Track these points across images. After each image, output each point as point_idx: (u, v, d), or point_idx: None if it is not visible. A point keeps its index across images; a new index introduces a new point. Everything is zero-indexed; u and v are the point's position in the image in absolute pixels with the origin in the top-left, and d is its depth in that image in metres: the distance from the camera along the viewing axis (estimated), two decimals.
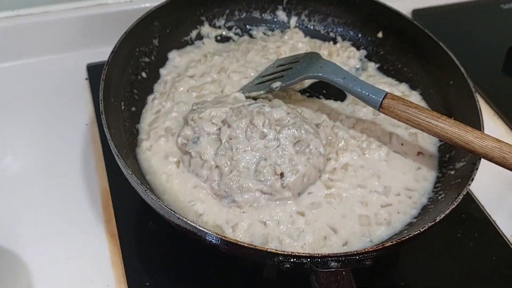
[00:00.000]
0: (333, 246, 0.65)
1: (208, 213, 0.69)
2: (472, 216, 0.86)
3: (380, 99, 0.70)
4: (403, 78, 0.91)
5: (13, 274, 0.73)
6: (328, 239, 0.66)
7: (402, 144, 0.79)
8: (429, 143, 0.81)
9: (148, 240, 0.78)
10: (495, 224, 0.85)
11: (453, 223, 0.84)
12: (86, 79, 1.02)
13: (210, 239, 0.58)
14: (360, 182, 0.74)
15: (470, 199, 0.88)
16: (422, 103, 0.87)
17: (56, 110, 0.96)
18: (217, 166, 0.69)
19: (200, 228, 0.57)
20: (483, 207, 0.87)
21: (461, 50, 0.90)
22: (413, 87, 0.89)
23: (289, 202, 0.69)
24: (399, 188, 0.74)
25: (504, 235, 0.83)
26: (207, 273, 0.74)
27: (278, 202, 0.69)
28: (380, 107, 0.70)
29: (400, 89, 0.88)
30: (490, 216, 0.86)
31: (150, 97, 0.83)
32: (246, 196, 0.68)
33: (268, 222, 0.67)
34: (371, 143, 0.78)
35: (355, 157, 0.76)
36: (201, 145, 0.71)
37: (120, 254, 0.76)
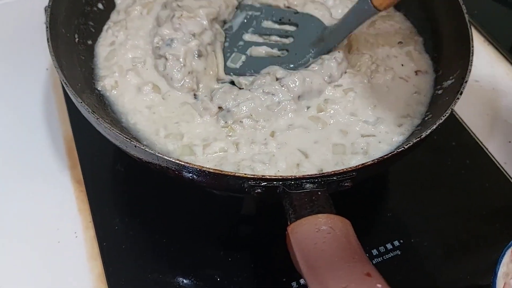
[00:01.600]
0: (307, 173, 0.59)
1: (190, 132, 0.65)
2: (463, 143, 0.82)
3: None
4: None
5: None
6: (301, 166, 0.61)
7: (402, 65, 0.74)
8: (424, 60, 0.76)
9: (116, 184, 0.74)
10: (488, 151, 0.81)
11: (443, 151, 0.80)
12: (45, 23, 0.95)
13: (172, 167, 0.52)
14: (353, 110, 0.68)
15: (460, 127, 0.83)
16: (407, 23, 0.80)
17: (14, 55, 0.90)
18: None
19: (158, 155, 0.51)
20: (474, 134, 0.83)
21: None
22: (396, 7, 0.82)
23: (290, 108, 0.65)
24: (392, 118, 0.68)
25: (497, 162, 0.79)
26: (179, 213, 0.70)
27: (276, 110, 0.65)
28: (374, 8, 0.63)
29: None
30: (482, 143, 0.82)
31: (104, 28, 0.76)
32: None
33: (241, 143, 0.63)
34: (378, 66, 0.73)
35: (364, 81, 0.70)
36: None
37: (87, 200, 0.71)
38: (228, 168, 0.59)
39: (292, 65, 0.70)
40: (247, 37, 0.76)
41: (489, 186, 0.77)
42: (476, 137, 0.82)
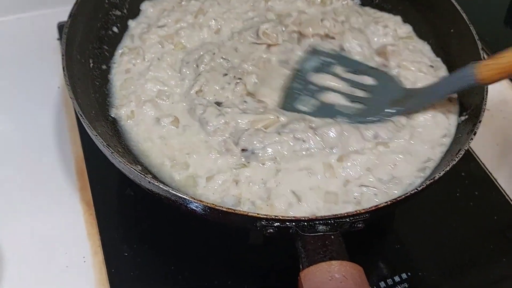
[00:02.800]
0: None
1: (197, 163, 0.64)
2: (472, 174, 0.81)
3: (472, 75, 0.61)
4: None
5: None
6: (291, 208, 0.60)
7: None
8: None
9: (126, 209, 0.74)
10: (496, 182, 0.80)
11: (452, 182, 0.80)
12: (58, 39, 0.96)
13: (185, 204, 0.53)
14: (371, 166, 0.65)
15: (470, 157, 0.83)
16: (426, 46, 0.80)
17: (26, 72, 0.90)
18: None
19: (172, 192, 0.51)
20: (483, 165, 0.82)
21: (462, 1, 0.83)
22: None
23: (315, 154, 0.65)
24: (408, 173, 0.65)
25: (506, 194, 0.79)
26: (189, 242, 0.70)
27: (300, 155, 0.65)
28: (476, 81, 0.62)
29: (405, 30, 0.82)
30: (491, 174, 0.81)
31: (117, 53, 0.76)
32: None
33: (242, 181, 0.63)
34: None
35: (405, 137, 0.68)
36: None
37: (96, 224, 0.71)
38: (229, 199, 0.59)
39: (362, 119, 0.69)
40: (319, 79, 0.74)
41: (498, 218, 0.76)
42: (486, 167, 0.82)
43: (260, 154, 0.64)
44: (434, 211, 0.77)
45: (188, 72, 0.74)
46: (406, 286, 0.68)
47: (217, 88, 0.72)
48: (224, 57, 0.75)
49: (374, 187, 0.62)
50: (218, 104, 0.70)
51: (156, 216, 0.72)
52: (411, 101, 0.70)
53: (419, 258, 0.71)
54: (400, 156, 0.66)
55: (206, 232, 0.70)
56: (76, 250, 0.69)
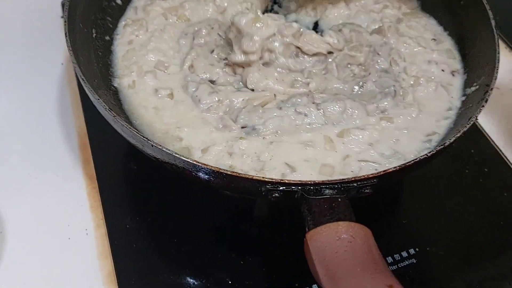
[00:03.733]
0: None
1: (190, 137, 0.63)
2: (481, 151, 0.80)
3: None
4: None
5: None
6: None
7: (443, 70, 0.72)
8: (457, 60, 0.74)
9: (129, 181, 0.73)
10: (507, 159, 0.79)
11: (462, 159, 0.78)
12: (61, 17, 0.95)
13: (188, 168, 0.51)
14: (373, 141, 0.63)
15: (479, 134, 0.82)
16: (431, 20, 0.80)
17: (30, 50, 0.90)
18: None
19: (175, 155, 0.50)
20: (493, 142, 0.81)
21: None
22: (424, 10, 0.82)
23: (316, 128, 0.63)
24: (412, 148, 0.64)
25: None
26: (191, 214, 0.69)
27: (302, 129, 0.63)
28: None
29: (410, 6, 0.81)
30: (501, 151, 0.80)
31: (120, 24, 0.75)
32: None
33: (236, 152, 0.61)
34: (419, 78, 0.70)
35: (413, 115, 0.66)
36: None
37: (99, 197, 0.71)
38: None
39: None
40: None
41: (507, 195, 0.75)
42: (496, 145, 0.81)
43: (261, 129, 0.63)
44: (443, 187, 0.76)
45: (184, 43, 0.73)
46: (414, 261, 0.67)
47: (207, 64, 0.70)
48: (220, 34, 0.74)
49: (374, 162, 0.61)
50: (212, 82, 0.69)
51: (158, 189, 0.71)
52: None
53: (427, 234, 0.70)
54: (404, 131, 0.64)
55: (210, 205, 0.70)
56: (79, 222, 0.69)
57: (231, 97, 0.66)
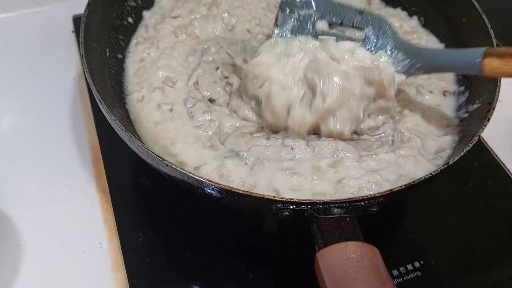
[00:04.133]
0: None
1: (183, 153, 0.65)
2: (484, 164, 0.82)
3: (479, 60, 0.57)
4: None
5: (1, 232, 0.70)
6: None
7: (431, 92, 0.73)
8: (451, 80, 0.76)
9: (141, 196, 0.75)
10: (509, 172, 0.81)
11: (465, 172, 0.80)
12: (73, 31, 0.97)
13: (201, 187, 0.53)
14: (375, 169, 0.61)
15: (482, 147, 0.83)
16: (431, 37, 0.81)
17: (42, 64, 0.92)
18: None
19: (189, 175, 0.52)
20: (496, 155, 0.83)
21: None
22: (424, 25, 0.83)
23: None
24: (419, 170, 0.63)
25: None
26: (202, 228, 0.71)
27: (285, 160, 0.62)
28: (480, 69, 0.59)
29: (410, 25, 0.82)
30: (503, 164, 0.81)
31: (132, 42, 0.77)
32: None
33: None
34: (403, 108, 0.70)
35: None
36: None
37: (112, 210, 0.73)
38: None
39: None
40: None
41: (510, 208, 0.76)
42: (498, 158, 0.82)
43: (245, 155, 0.63)
44: (447, 200, 0.77)
45: (192, 59, 0.75)
46: (419, 274, 0.68)
47: (211, 81, 0.72)
48: (229, 52, 0.76)
49: (375, 183, 0.59)
50: (211, 100, 0.71)
51: (170, 203, 0.73)
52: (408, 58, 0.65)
53: (431, 247, 0.72)
54: (409, 157, 0.63)
55: (220, 219, 0.71)
56: (93, 235, 0.71)
57: (222, 120, 0.68)
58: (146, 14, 0.81)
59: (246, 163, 0.62)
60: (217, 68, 0.74)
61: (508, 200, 0.77)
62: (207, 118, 0.68)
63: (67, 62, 0.91)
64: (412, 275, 0.68)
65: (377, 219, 0.69)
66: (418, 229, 0.74)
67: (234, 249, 0.70)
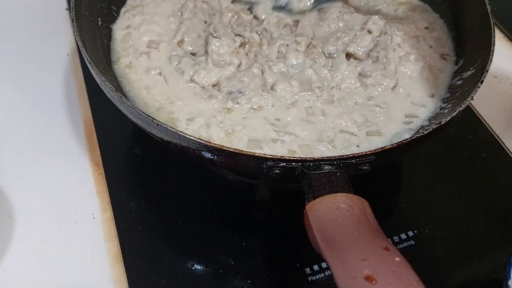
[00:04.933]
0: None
1: (181, 110, 0.66)
2: (479, 137, 0.82)
3: None
4: None
5: None
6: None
7: (430, 47, 0.74)
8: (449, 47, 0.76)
9: (133, 168, 0.75)
10: (504, 145, 0.80)
11: (459, 144, 0.80)
12: (67, 9, 0.97)
13: (192, 147, 0.53)
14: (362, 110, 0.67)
15: (477, 120, 0.83)
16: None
17: (36, 41, 0.92)
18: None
19: (180, 133, 0.52)
20: (490, 128, 0.82)
21: None
22: None
23: None
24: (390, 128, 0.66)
25: None
26: (195, 198, 0.71)
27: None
28: None
29: None
30: (498, 137, 0.81)
31: (122, 11, 0.78)
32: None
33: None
34: (410, 55, 0.73)
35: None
36: None
37: (105, 182, 0.72)
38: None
39: None
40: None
41: (504, 180, 0.76)
42: (493, 131, 0.82)
43: (247, 92, 0.66)
44: (441, 172, 0.77)
45: (172, 19, 0.76)
46: (413, 243, 0.68)
47: (195, 37, 0.74)
48: (204, 0, 0.78)
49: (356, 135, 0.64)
50: (193, 54, 0.72)
51: (163, 174, 0.73)
52: None
53: (425, 217, 0.72)
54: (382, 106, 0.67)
55: (213, 189, 0.71)
56: (86, 207, 0.71)
57: (209, 68, 0.69)
58: None
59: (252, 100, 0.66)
60: (205, 22, 0.76)
61: (501, 171, 0.77)
62: (196, 69, 0.69)
63: (60, 38, 0.92)
64: (406, 244, 0.68)
65: (371, 189, 0.69)
66: (412, 200, 0.73)
67: (227, 218, 0.70)
